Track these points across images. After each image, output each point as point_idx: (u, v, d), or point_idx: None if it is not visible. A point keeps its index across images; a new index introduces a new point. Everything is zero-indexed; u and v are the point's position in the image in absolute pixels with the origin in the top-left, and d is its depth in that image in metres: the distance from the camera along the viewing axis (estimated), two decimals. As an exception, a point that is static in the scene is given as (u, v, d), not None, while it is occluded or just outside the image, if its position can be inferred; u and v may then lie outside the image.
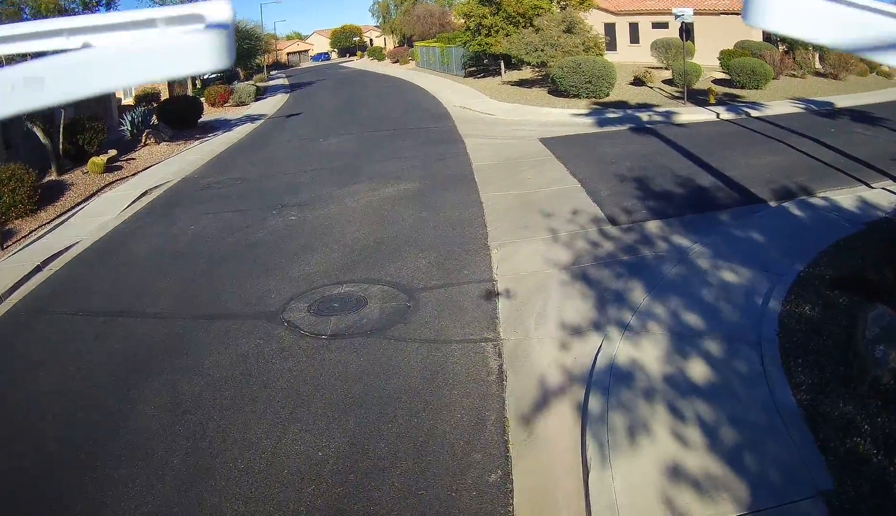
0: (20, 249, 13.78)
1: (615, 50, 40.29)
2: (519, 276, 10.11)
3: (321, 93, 47.36)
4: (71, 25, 0.99)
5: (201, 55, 0.90)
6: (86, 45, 0.96)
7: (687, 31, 25.44)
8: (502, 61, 37.20)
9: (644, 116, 23.23)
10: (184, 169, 21.51)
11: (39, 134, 21.19)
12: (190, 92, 43.57)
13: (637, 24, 41.56)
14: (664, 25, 38.01)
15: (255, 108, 40.38)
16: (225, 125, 31.99)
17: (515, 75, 37.67)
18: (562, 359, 7.60)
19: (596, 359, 7.30)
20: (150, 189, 18.96)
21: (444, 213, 13.59)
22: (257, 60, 68.59)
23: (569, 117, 23.76)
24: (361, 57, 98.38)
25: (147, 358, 8.72)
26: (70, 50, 0.93)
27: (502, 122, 24.43)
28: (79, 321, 10.16)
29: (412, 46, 68.45)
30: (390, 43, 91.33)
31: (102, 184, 20.14)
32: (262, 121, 33.05)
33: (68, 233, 14.88)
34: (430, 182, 16.21)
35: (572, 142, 19.57)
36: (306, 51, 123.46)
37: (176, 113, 30.34)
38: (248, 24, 60.09)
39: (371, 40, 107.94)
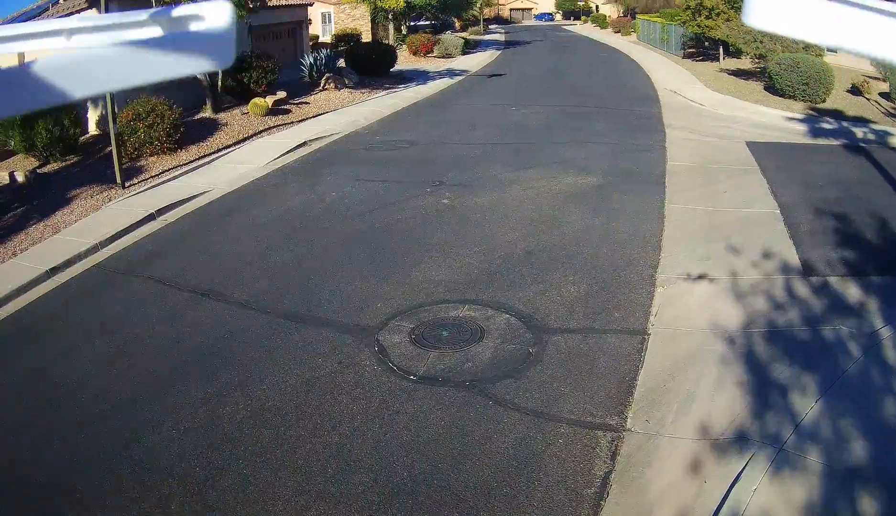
0: (140, 191, 13.53)
1: (834, 51, 35.60)
2: (678, 333, 8.13)
3: (533, 54, 45.82)
4: (71, 26, 1.01)
5: (201, 55, 0.95)
6: (86, 46, 0.99)
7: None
8: (721, 47, 34.24)
9: (858, 132, 19.85)
10: (356, 121, 20.86)
11: None
12: (391, 39, 43.57)
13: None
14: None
15: (460, 62, 39.64)
16: (421, 77, 31.36)
17: (733, 63, 34.42)
18: (684, 488, 5.68)
19: (723, 502, 5.36)
20: (310, 140, 18.39)
21: (618, 224, 11.68)
22: (473, 12, 67.94)
23: (781, 120, 20.88)
24: (585, 22, 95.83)
25: (204, 357, 7.77)
26: (70, 50, 0.97)
27: (711, 115, 21.70)
28: (161, 293, 9.49)
29: (635, 18, 65.36)
30: (615, 12, 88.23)
31: (260, 128, 19.88)
32: (461, 77, 32.11)
33: (200, 180, 14.51)
34: (614, 178, 14.18)
35: (780, 151, 16.68)
36: (530, 9, 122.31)
37: (366, 58, 30.01)
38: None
39: (597, 7, 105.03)
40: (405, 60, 39.92)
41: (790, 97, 24.21)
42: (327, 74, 26.28)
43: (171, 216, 12.34)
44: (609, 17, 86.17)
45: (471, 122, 20.57)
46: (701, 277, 9.56)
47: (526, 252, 10.60)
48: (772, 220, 11.74)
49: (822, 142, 18.27)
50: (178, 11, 0.98)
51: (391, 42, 43.72)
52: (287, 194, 13.93)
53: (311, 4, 40.77)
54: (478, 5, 71.22)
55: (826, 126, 20.49)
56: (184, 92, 20.18)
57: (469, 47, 48.72)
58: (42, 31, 1.02)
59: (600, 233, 11.27)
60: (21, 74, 0.90)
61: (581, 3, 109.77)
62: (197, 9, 0.97)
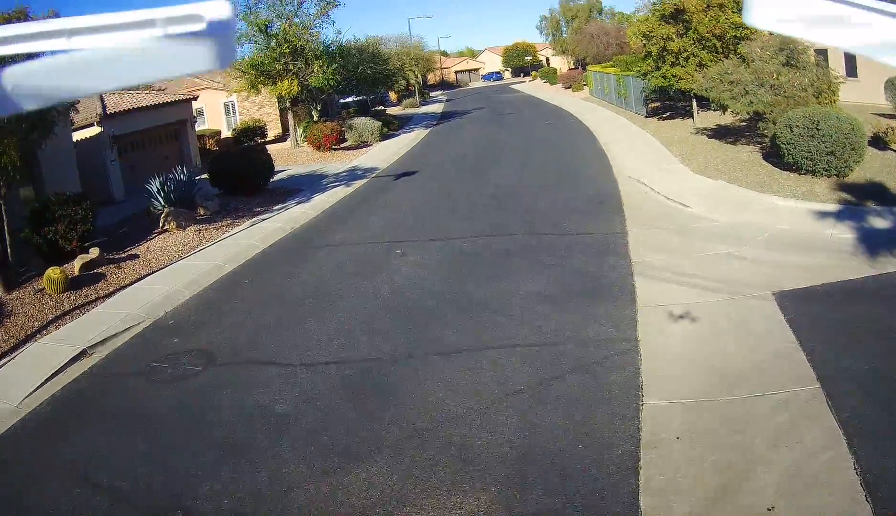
0: None
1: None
2: None
3: (465, 132, 39.71)
4: (71, 26, 1.02)
5: (201, 55, 0.97)
6: (85, 46, 1.01)
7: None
8: (694, 99, 28.62)
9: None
10: (170, 296, 14.54)
11: None
12: (293, 127, 37.92)
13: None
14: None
15: (372, 153, 33.48)
16: (309, 186, 24.96)
17: (711, 118, 28.35)
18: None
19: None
20: (92, 345, 12.49)
21: None
22: (404, 81, 62.74)
23: (809, 221, 14.51)
24: (535, 78, 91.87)
25: None
26: (70, 50, 0.99)
27: (703, 226, 15.36)
28: None
29: (586, 70, 60.60)
30: (565, 64, 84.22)
31: (50, 317, 14.15)
32: (361, 181, 25.55)
33: None
34: (529, 494, 6.89)
35: (839, 316, 10.01)
36: (477, 69, 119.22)
37: (234, 172, 23.73)
38: (380, 40, 53.70)
39: (547, 60, 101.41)
40: (306, 158, 34.02)
41: (808, 172, 18.04)
42: (167, 209, 20.14)
43: None
44: (559, 70, 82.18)
45: (323, 298, 13.29)
46: None
47: None
48: None
49: (889, 265, 12.13)
50: (178, 11, 0.98)
51: (296, 134, 38.11)
52: None
53: (194, 99, 34.95)
54: (413, 73, 66.32)
55: (878, 223, 14.24)
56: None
57: (394, 128, 42.97)
58: (42, 32, 1.02)
59: None
60: (20, 73, 0.92)
61: (529, 59, 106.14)
62: (196, 9, 0.97)
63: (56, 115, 16.19)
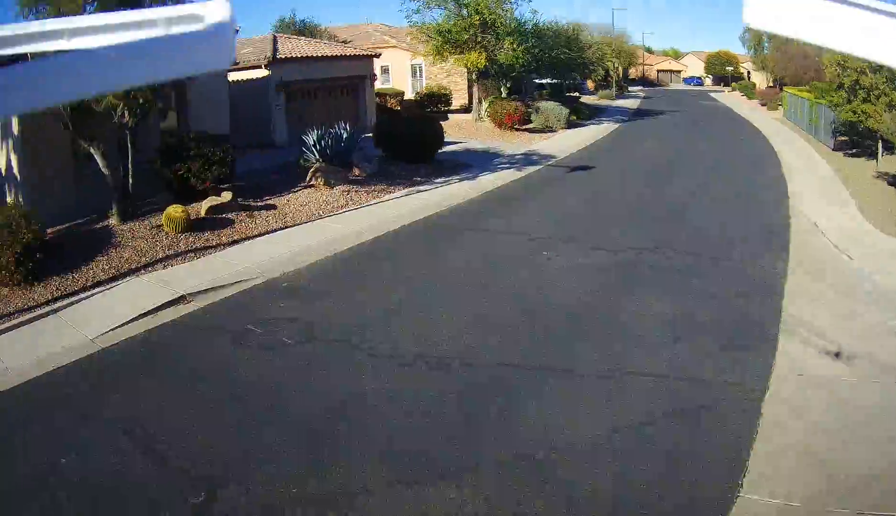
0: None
1: None
2: None
3: (655, 134, 36.64)
4: (71, 26, 1.00)
5: (201, 55, 0.93)
6: (85, 46, 0.97)
7: None
8: (880, 140, 24.64)
9: None
10: (295, 256, 13.27)
11: (99, 160, 14.44)
12: (478, 100, 36.12)
13: None
14: None
15: (553, 141, 31.40)
16: (478, 165, 23.22)
17: None
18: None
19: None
20: (192, 292, 11.49)
21: None
22: (595, 73, 59.65)
23: None
24: (734, 89, 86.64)
25: None
26: (70, 50, 0.95)
27: (872, 288, 11.99)
28: None
29: (783, 90, 55.57)
30: (763, 81, 78.81)
31: (160, 256, 13.75)
32: (533, 168, 23.63)
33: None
34: None
35: None
36: (679, 71, 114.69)
37: (402, 137, 22.19)
38: (582, 27, 50.79)
39: (748, 73, 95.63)
40: (486, 134, 32.24)
41: None
42: (318, 164, 18.73)
43: None
44: (757, 86, 77.40)
45: (456, 288, 11.74)
46: None
47: None
48: None
49: None
50: (178, 11, 0.96)
51: (480, 108, 36.31)
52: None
53: (376, 56, 33.98)
54: (612, 64, 63.36)
55: None
56: (94, 189, 15.26)
57: (583, 117, 40.52)
58: (42, 32, 1.01)
59: None
60: (19, 74, 0.87)
61: (730, 69, 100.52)
62: (196, 9, 0.95)
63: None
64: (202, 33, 0.93)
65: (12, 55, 1.01)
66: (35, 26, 1.00)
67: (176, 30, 0.94)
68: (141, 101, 14.27)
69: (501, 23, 32.79)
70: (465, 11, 32.74)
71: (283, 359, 9.26)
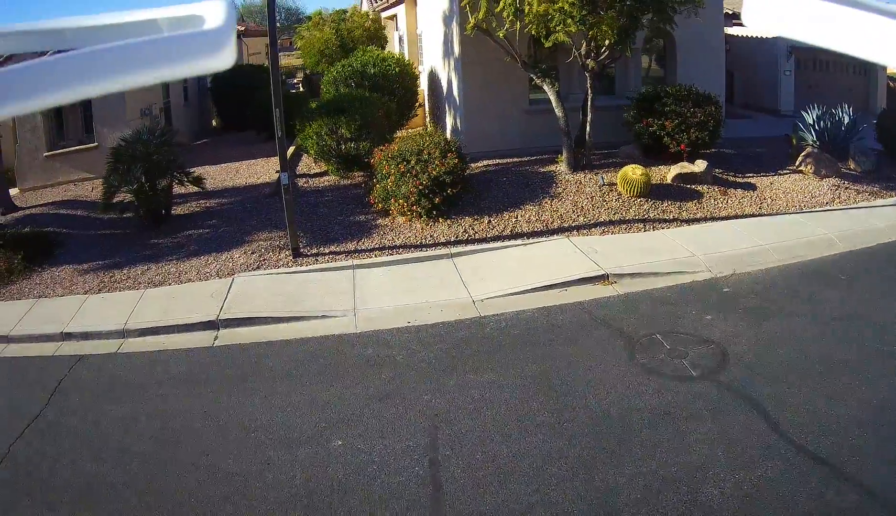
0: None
1: None
2: None
3: None
4: (71, 25, 1.00)
5: (201, 56, 0.92)
6: (85, 46, 0.93)
7: None
8: None
9: None
10: (749, 255, 11.47)
11: (552, 98, 14.00)
12: None
13: None
14: None
15: None
16: None
17: None
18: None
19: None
20: (600, 276, 10.39)
21: None
22: None
23: None
24: None
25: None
26: (70, 50, 0.92)
27: None
28: None
29: None
30: None
31: (613, 217, 13.40)
32: None
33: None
34: None
35: None
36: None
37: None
38: None
39: None
40: None
41: None
42: (810, 149, 15.93)
43: None
44: None
45: None
46: None
47: None
48: None
49: None
50: (178, 11, 0.96)
51: None
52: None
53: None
54: None
55: None
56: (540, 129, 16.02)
57: None
58: (41, 31, 1.00)
59: None
60: (18, 74, 0.86)
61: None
62: (196, 9, 0.94)
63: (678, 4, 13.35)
64: (202, 33, 0.90)
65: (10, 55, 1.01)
66: (35, 26, 1.00)
67: (176, 30, 0.92)
68: (604, 44, 13.29)
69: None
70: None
71: (676, 388, 7.78)
